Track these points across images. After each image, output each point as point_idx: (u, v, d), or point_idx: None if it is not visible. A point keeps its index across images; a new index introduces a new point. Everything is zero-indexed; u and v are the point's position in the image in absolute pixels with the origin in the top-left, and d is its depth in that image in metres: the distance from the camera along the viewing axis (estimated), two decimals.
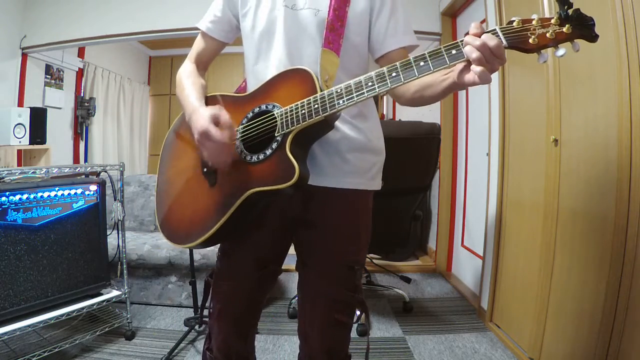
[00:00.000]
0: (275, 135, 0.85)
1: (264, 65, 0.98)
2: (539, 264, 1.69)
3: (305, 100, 0.82)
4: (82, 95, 4.19)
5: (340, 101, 0.79)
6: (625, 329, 1.23)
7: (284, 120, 0.84)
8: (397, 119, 4.08)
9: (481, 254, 2.38)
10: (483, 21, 2.44)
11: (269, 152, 0.85)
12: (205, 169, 0.94)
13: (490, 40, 0.66)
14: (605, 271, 1.32)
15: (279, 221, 1.00)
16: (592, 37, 0.65)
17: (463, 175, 3.02)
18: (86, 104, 4.15)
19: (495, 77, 2.18)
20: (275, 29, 0.95)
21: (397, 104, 4.02)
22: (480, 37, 0.67)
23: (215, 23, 1.06)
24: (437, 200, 3.27)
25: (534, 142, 1.79)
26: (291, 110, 0.83)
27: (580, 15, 0.64)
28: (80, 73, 4.17)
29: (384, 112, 4.39)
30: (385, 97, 4.49)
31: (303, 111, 0.82)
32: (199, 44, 1.10)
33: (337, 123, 0.91)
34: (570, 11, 0.64)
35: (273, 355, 1.89)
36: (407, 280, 2.83)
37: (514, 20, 0.68)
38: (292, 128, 0.82)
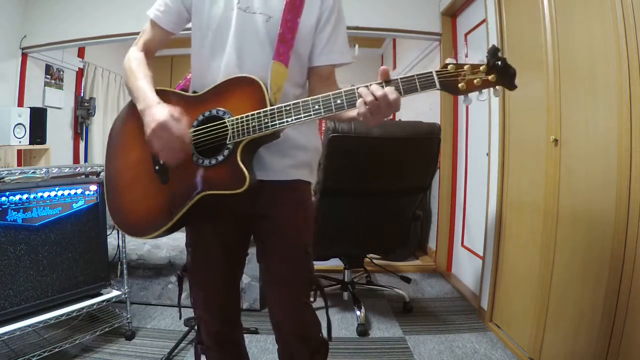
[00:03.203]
0: (227, 143, 0.90)
1: (215, 64, 0.98)
2: (539, 264, 1.69)
3: (255, 112, 0.88)
4: (82, 95, 4.19)
5: (289, 119, 0.86)
6: (625, 329, 1.23)
7: (235, 129, 0.89)
8: (397, 119, 4.07)
9: (481, 254, 2.38)
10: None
11: (220, 158, 0.90)
12: (157, 167, 0.96)
13: (377, 90, 0.79)
14: (605, 271, 1.32)
15: (233, 217, 1.04)
16: (511, 87, 0.76)
17: (463, 175, 3.02)
18: (86, 104, 4.15)
19: None
20: (228, 31, 0.97)
21: None
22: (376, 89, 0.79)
23: (165, 13, 1.04)
24: (437, 200, 3.27)
25: (534, 142, 1.79)
26: (242, 120, 0.89)
27: (506, 66, 0.75)
28: (80, 73, 4.17)
29: None
30: None
31: (254, 123, 0.88)
32: (147, 32, 1.07)
33: None
34: (499, 62, 0.75)
35: (273, 355, 1.88)
36: (407, 280, 2.83)
37: (449, 64, 0.78)
38: (243, 138, 0.89)
